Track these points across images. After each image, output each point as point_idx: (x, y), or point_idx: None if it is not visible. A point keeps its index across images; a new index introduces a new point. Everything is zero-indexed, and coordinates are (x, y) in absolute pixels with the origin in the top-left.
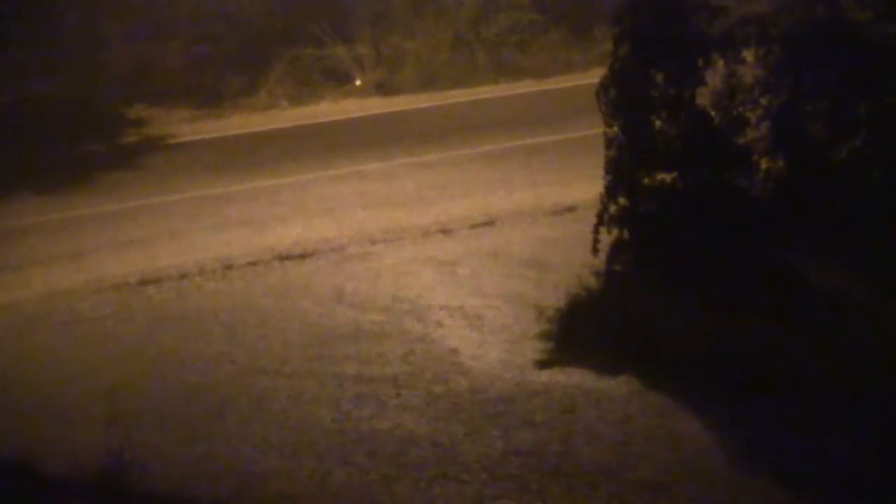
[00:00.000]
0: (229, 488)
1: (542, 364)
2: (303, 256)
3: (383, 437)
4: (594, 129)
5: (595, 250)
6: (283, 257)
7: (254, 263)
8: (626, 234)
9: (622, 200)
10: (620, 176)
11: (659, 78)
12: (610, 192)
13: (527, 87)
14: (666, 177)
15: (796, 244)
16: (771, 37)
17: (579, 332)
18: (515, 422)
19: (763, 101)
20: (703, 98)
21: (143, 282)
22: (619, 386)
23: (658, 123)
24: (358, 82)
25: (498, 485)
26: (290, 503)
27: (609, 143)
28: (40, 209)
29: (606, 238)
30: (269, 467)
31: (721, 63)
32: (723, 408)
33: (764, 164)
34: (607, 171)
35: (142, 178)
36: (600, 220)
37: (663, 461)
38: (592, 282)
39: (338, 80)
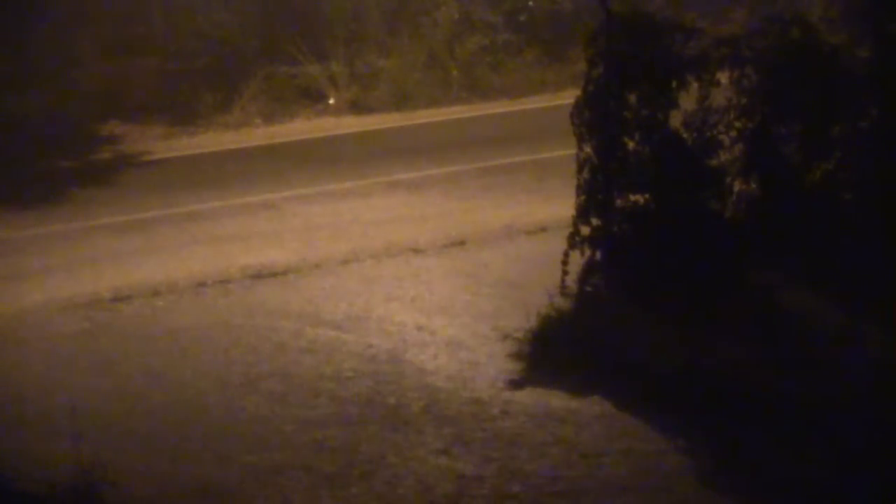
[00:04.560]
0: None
1: (514, 384)
2: (275, 275)
3: (352, 456)
4: (567, 150)
5: (564, 272)
6: (256, 275)
7: (226, 281)
8: (598, 255)
9: (594, 221)
10: (593, 197)
11: (632, 99)
12: (582, 214)
13: (500, 107)
14: (639, 198)
15: (769, 265)
16: (745, 59)
17: (550, 352)
18: (485, 443)
19: (737, 123)
20: (677, 120)
21: (116, 299)
22: (590, 406)
23: (631, 145)
24: (331, 101)
25: None
26: None
27: (582, 164)
28: (12, 225)
29: (578, 259)
30: (236, 484)
31: (695, 85)
32: (694, 428)
33: (737, 186)
34: (579, 193)
35: (115, 195)
36: (571, 243)
37: (633, 483)
38: (564, 302)
39: (312, 98)
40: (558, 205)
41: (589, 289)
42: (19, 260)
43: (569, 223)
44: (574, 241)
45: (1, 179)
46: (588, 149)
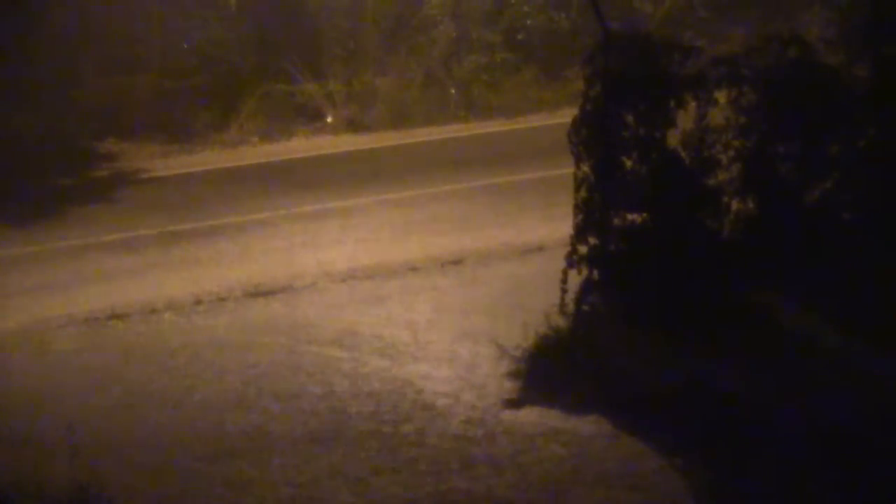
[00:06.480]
0: None
1: (511, 403)
2: (271, 293)
3: (346, 476)
4: (564, 169)
5: (563, 291)
6: (253, 293)
7: (223, 299)
8: (595, 275)
9: (592, 240)
10: (590, 216)
11: (630, 118)
12: (580, 233)
13: (498, 125)
14: (636, 217)
15: (767, 285)
16: (743, 78)
17: (548, 371)
18: (481, 462)
19: (735, 142)
20: (675, 139)
21: (113, 316)
22: (587, 426)
23: (629, 164)
24: (329, 119)
25: None
26: None
27: (579, 183)
28: (10, 242)
29: (577, 278)
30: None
31: (693, 104)
32: (692, 449)
33: (734, 206)
34: (577, 212)
35: (113, 212)
36: (570, 262)
37: (631, 502)
38: (561, 321)
39: (309, 116)
40: (556, 223)
41: (586, 308)
42: (17, 277)
43: (566, 242)
44: (572, 259)
45: (1, 197)
46: (585, 167)
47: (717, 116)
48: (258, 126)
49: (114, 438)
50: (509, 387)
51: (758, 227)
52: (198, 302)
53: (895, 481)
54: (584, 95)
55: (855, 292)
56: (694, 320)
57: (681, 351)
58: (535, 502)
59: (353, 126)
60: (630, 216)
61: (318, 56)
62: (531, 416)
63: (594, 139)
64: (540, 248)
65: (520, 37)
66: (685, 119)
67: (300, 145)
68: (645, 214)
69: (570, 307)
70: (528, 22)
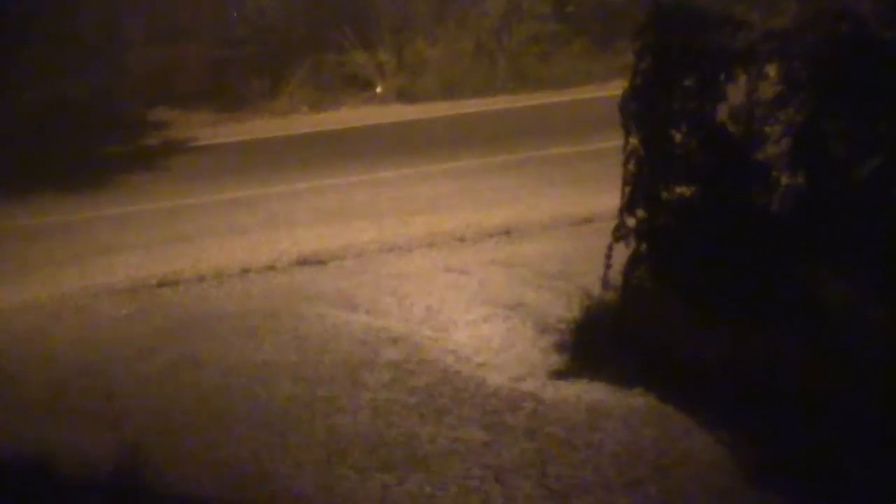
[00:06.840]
0: (238, 489)
1: (557, 375)
2: (320, 262)
3: (396, 443)
4: (613, 142)
5: (607, 265)
6: (301, 262)
7: (272, 268)
8: (643, 248)
9: (640, 213)
10: (639, 189)
11: (680, 92)
12: (628, 206)
13: (547, 97)
14: (685, 191)
15: (816, 261)
16: (793, 53)
17: (594, 344)
18: (527, 433)
19: (784, 116)
20: (724, 112)
21: (162, 284)
22: (634, 399)
23: (678, 137)
24: (378, 89)
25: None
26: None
27: (628, 156)
28: (61, 209)
29: (623, 251)
30: (277, 472)
31: (743, 78)
32: (739, 424)
33: (784, 180)
34: (625, 185)
35: (162, 180)
36: (616, 235)
37: (676, 477)
38: (607, 294)
39: (359, 86)
40: (603, 196)
41: (634, 281)
42: (68, 243)
43: (614, 215)
44: (619, 232)
45: (50, 163)
46: (634, 141)
47: (767, 91)
48: (308, 95)
49: (159, 406)
50: (554, 359)
51: (807, 201)
52: (246, 270)
53: None
54: (634, 68)
55: None
56: (741, 294)
57: (728, 325)
58: (575, 474)
59: (403, 96)
60: (679, 189)
61: (369, 26)
62: (575, 389)
63: (644, 113)
64: (587, 221)
65: (569, 8)
66: (735, 93)
67: (349, 115)
68: (693, 188)
69: (617, 280)
70: None
